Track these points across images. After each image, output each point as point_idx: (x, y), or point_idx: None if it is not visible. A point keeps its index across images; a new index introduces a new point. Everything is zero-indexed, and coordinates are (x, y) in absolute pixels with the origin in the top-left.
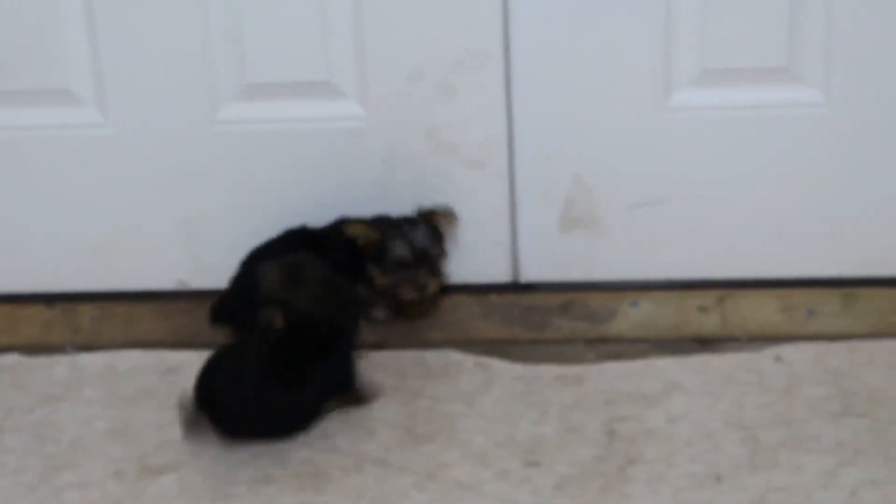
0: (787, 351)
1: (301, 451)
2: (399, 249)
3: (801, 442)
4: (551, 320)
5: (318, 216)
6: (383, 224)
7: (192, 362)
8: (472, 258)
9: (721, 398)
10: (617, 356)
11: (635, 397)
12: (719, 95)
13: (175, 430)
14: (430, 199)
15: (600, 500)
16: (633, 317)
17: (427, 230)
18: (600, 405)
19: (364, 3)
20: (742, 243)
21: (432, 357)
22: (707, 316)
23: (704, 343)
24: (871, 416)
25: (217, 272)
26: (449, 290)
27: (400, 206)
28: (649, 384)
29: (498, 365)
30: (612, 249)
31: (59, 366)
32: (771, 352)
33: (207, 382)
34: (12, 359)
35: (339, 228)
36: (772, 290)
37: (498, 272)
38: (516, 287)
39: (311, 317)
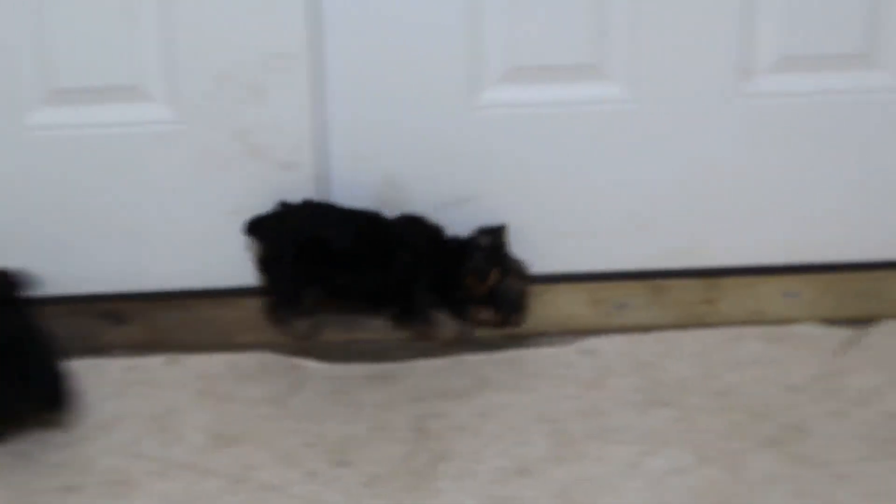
0: (597, 344)
1: (106, 458)
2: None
3: (608, 433)
4: (363, 320)
5: (136, 220)
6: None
7: None
8: None
9: (531, 392)
10: (427, 353)
11: (446, 394)
12: (528, 93)
13: None
14: (243, 202)
15: (410, 497)
16: None
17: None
18: (410, 403)
19: (170, 5)
20: (551, 238)
21: (245, 359)
22: None
23: (514, 338)
24: (677, 406)
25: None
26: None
27: (214, 208)
28: (460, 380)
29: (310, 365)
30: None
31: None
32: (581, 345)
33: None
34: None
35: (413, 227)
36: (582, 283)
37: None
38: None
39: None
